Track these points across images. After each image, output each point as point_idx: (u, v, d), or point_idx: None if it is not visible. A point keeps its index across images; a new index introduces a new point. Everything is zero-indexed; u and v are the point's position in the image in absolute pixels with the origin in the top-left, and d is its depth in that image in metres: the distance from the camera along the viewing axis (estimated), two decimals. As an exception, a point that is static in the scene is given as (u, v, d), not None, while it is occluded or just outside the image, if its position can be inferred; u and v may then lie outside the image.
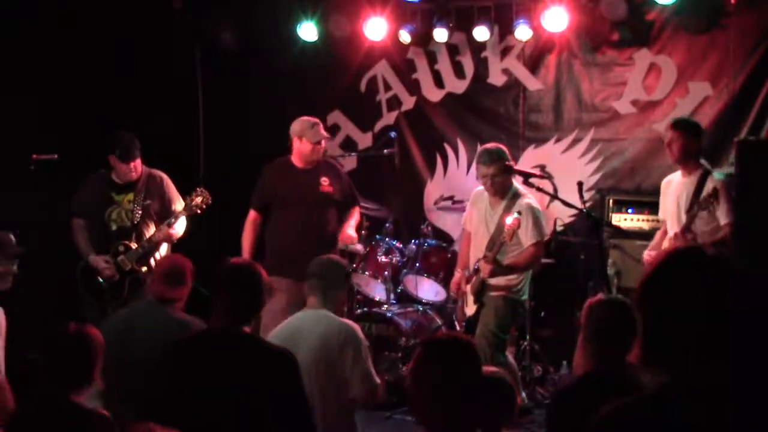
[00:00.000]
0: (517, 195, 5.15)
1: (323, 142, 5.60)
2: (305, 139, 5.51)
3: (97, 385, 3.10)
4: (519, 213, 4.88)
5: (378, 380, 3.92)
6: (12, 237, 4.18)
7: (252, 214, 5.69)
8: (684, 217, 5.02)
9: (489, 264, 4.94)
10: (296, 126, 5.58)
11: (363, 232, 6.40)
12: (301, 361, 3.49)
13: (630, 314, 2.83)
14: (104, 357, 3.82)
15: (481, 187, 5.29)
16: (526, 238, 5.02)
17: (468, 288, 5.22)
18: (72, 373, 2.99)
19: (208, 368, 3.08)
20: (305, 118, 5.59)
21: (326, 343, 3.79)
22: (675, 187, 5.23)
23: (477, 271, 5.14)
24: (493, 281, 5.11)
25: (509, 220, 4.87)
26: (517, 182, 5.26)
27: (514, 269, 5.07)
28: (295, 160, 5.62)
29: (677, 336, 1.64)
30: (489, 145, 5.27)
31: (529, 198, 5.15)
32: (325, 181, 5.57)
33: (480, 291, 5.12)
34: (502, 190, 5.15)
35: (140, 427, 2.67)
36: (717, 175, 5.10)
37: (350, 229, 5.59)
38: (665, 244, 5.16)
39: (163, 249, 5.50)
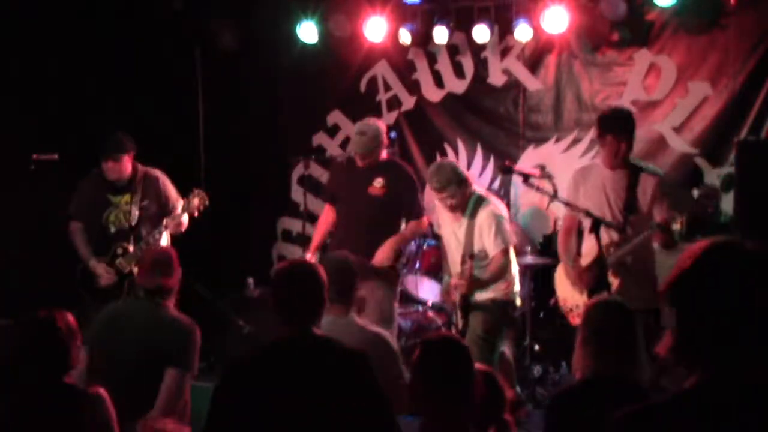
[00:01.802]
0: (478, 203, 5.03)
1: (360, 148, 5.32)
2: (351, 143, 5.46)
3: (79, 364, 3.08)
4: (471, 258, 4.84)
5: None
6: None
7: (326, 207, 5.72)
8: (619, 216, 4.69)
9: (464, 280, 4.88)
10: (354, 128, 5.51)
11: (417, 263, 6.31)
12: None
13: (628, 315, 2.84)
14: (92, 351, 3.84)
15: None
16: (491, 246, 4.96)
17: (457, 299, 5.15)
18: (51, 357, 2.98)
19: (287, 380, 2.91)
20: (361, 122, 5.41)
21: None
22: (598, 178, 4.78)
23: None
24: (481, 297, 5.03)
25: (459, 285, 4.87)
26: (478, 187, 5.20)
27: (488, 281, 5.01)
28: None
29: (714, 333, 1.61)
30: (434, 167, 5.09)
31: (490, 204, 5.05)
32: (378, 182, 5.33)
33: (466, 306, 5.06)
34: (461, 206, 5.05)
35: (147, 424, 2.68)
36: (654, 170, 4.79)
37: (384, 248, 5.24)
38: (588, 244, 4.77)
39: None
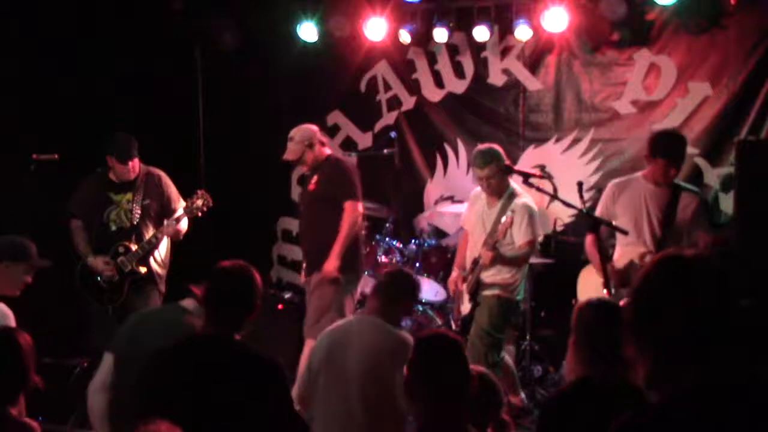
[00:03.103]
0: (513, 195, 5.17)
1: (290, 154, 5.58)
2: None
3: (33, 384, 2.98)
4: (512, 211, 4.93)
5: None
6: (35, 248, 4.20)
7: None
8: (657, 229, 4.91)
9: (490, 251, 4.96)
10: None
11: (417, 263, 6.37)
12: (348, 368, 3.51)
13: (621, 316, 2.80)
14: (118, 358, 3.75)
15: (480, 188, 5.32)
16: (519, 236, 5.05)
17: (464, 287, 5.24)
18: (9, 374, 2.91)
19: (195, 375, 2.99)
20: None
21: (377, 354, 3.65)
22: (638, 191, 5.00)
23: (473, 268, 5.15)
24: (489, 279, 5.12)
25: (503, 217, 4.93)
26: (514, 182, 5.27)
27: (511, 261, 5.10)
28: None
29: (688, 341, 1.63)
30: (482, 147, 5.25)
31: (526, 197, 5.17)
32: (314, 179, 5.57)
33: (475, 290, 5.13)
34: (498, 190, 5.17)
35: (146, 426, 2.66)
36: (693, 190, 5.08)
37: (330, 260, 5.32)
38: (630, 255, 4.94)
39: (163, 249, 5.49)
